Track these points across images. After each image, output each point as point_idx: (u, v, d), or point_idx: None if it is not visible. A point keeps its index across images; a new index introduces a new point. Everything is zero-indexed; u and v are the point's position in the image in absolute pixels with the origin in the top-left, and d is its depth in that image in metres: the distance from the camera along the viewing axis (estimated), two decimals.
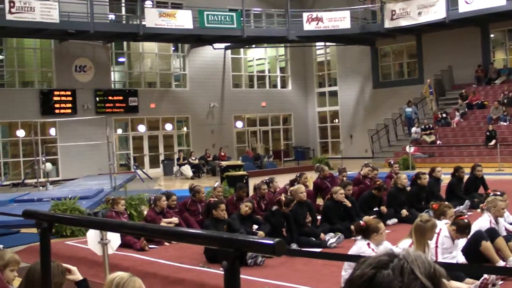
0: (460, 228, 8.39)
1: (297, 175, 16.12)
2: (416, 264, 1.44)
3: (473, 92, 33.99)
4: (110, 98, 34.45)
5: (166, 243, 12.13)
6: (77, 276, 5.03)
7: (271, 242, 1.99)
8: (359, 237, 8.05)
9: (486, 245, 8.68)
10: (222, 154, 34.79)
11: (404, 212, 13.81)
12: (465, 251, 8.60)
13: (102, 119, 28.21)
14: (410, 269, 1.42)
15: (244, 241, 2.07)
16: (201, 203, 13.67)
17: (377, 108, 38.89)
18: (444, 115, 33.49)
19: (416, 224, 7.63)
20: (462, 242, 8.71)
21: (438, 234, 8.14)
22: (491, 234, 8.95)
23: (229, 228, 10.56)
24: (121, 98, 34.89)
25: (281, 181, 18.04)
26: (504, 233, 9.53)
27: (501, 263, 8.60)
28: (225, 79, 39.44)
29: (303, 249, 10.83)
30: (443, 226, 8.40)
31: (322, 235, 11.62)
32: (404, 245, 7.43)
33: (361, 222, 8.25)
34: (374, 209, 13.72)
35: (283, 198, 11.51)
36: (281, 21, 37.93)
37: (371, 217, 8.51)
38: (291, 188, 12.71)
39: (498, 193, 10.70)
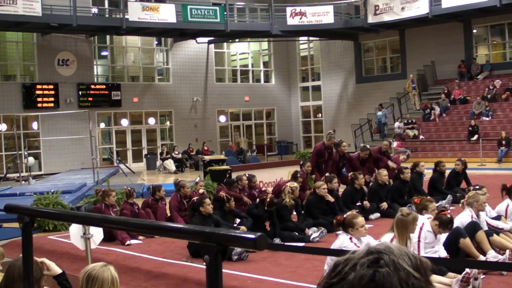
0: (443, 223, 8.43)
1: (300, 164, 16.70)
2: (403, 258, 1.43)
3: (458, 85, 34.16)
4: (93, 92, 34.32)
5: (140, 237, 12.15)
6: (55, 270, 5.01)
7: (253, 236, 1.99)
8: (341, 232, 8.07)
9: (465, 242, 8.74)
10: (205, 148, 34.78)
11: (384, 205, 13.89)
12: (446, 246, 8.65)
13: (85, 113, 28.11)
14: (400, 264, 1.42)
15: (226, 235, 2.07)
16: (186, 199, 13.58)
17: (360, 103, 39.02)
18: (433, 105, 33.67)
19: (398, 218, 7.64)
20: (444, 236, 8.76)
21: (421, 228, 8.18)
22: (473, 227, 9.01)
23: (216, 225, 10.54)
24: (104, 92, 34.76)
25: (264, 176, 18.07)
26: (486, 228, 9.58)
27: (481, 258, 8.65)
28: (208, 74, 39.40)
29: (286, 243, 10.85)
30: (425, 221, 8.44)
31: (306, 230, 11.67)
32: (386, 240, 7.46)
33: (340, 216, 8.28)
34: (357, 204, 13.77)
35: (268, 199, 11.51)
36: (264, 15, 37.94)
37: (354, 211, 8.49)
38: (292, 185, 12.59)
39: (477, 187, 10.77)
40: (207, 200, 10.71)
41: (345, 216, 8.14)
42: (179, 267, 9.53)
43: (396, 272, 1.40)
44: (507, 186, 11.05)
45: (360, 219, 8.00)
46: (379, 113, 35.13)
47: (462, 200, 9.98)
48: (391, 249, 1.46)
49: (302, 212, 12.75)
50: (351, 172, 14.70)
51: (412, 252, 1.49)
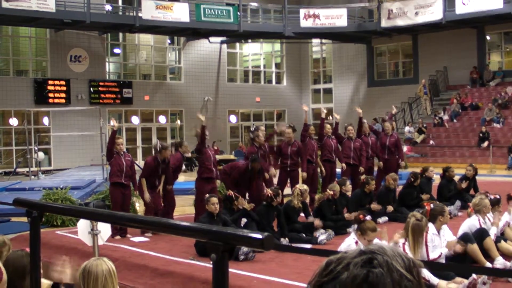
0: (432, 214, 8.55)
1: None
2: (396, 260, 1.43)
3: (466, 94, 34.10)
4: (104, 89, 34.39)
5: (147, 234, 12.30)
6: (66, 277, 4.95)
7: (260, 236, 1.99)
8: (351, 232, 8.06)
9: (472, 247, 8.70)
10: (215, 148, 34.78)
11: (390, 207, 13.90)
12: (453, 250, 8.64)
13: (95, 110, 28.24)
14: (393, 265, 1.42)
15: (233, 234, 2.07)
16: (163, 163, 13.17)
17: (372, 107, 38.87)
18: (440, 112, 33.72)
19: (414, 223, 7.62)
20: (449, 238, 8.74)
21: (426, 232, 8.16)
22: (481, 234, 8.98)
23: (224, 225, 10.52)
24: (115, 89, 34.83)
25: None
26: (493, 230, 9.50)
27: (488, 265, 8.63)
28: (220, 73, 39.41)
29: (293, 244, 10.85)
30: (430, 224, 8.43)
31: (316, 230, 11.68)
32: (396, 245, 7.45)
33: (363, 216, 8.23)
34: (366, 207, 13.74)
35: (270, 192, 11.53)
36: (278, 17, 37.92)
37: (368, 217, 8.39)
38: (302, 188, 12.53)
39: (494, 196, 10.55)
40: (213, 199, 10.67)
41: (367, 218, 8.12)
42: (185, 265, 9.54)
43: (389, 273, 1.40)
44: (511, 195, 10.94)
45: (374, 235, 7.96)
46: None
47: (468, 210, 9.88)
48: (384, 249, 1.45)
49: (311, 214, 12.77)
50: (363, 176, 14.62)
51: (405, 253, 1.49)
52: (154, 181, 12.87)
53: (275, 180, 14.99)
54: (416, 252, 7.40)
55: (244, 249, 9.50)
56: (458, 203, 14.60)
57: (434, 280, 7.57)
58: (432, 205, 8.98)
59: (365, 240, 7.83)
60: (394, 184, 14.43)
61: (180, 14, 32.04)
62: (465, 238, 8.82)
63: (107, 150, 13.00)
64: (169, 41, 38.72)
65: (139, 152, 36.58)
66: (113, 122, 13.14)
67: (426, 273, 7.35)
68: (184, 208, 15.03)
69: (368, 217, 8.21)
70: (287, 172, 15.15)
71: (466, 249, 8.68)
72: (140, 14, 31.14)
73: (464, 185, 15.46)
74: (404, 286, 1.40)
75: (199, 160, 13.89)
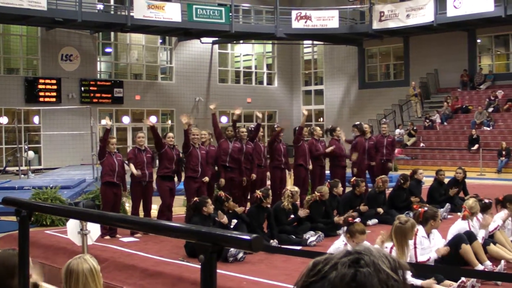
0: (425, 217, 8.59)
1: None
2: (382, 260, 1.44)
3: (456, 97, 34.19)
4: (95, 88, 34.30)
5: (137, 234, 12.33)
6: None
7: (249, 237, 1.99)
8: (341, 234, 8.08)
9: (466, 248, 8.72)
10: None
11: (380, 210, 13.94)
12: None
13: (86, 109, 28.16)
14: (380, 265, 1.43)
15: (221, 235, 2.07)
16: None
17: (362, 109, 38.98)
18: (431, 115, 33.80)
19: (396, 226, 7.64)
20: (438, 242, 8.76)
21: (416, 234, 8.18)
22: (469, 237, 9.00)
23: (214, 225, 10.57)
24: (106, 88, 34.75)
25: None
26: (480, 232, 9.51)
27: (479, 267, 8.64)
28: (211, 74, 39.37)
29: (282, 246, 10.85)
30: (419, 227, 8.45)
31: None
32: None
33: (352, 218, 8.24)
34: (356, 209, 13.77)
35: (260, 194, 11.55)
36: (269, 18, 37.91)
37: (357, 220, 8.42)
38: (293, 189, 12.58)
39: (487, 201, 10.57)
40: (210, 200, 10.76)
41: (356, 220, 8.13)
42: (175, 266, 9.54)
43: (376, 273, 1.42)
44: (500, 199, 10.94)
45: (363, 237, 7.98)
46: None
47: (465, 212, 9.81)
48: (370, 250, 1.47)
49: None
50: (353, 178, 14.65)
51: (390, 254, 1.50)
52: (143, 171, 12.88)
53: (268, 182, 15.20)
54: (401, 255, 7.41)
55: (232, 251, 9.51)
56: (448, 206, 14.65)
57: (416, 281, 7.59)
58: (425, 208, 8.99)
59: (354, 243, 7.84)
60: (383, 186, 14.48)
61: (172, 14, 32.01)
62: (457, 239, 8.83)
63: (100, 148, 13.03)
64: (160, 41, 38.69)
65: None
66: (107, 121, 13.27)
67: (408, 277, 7.35)
68: (174, 209, 14.98)
69: (357, 220, 8.23)
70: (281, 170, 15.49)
71: (453, 251, 8.70)
72: (132, 14, 31.06)
73: (455, 191, 15.55)
74: (391, 286, 1.41)
75: (186, 159, 14.22)
